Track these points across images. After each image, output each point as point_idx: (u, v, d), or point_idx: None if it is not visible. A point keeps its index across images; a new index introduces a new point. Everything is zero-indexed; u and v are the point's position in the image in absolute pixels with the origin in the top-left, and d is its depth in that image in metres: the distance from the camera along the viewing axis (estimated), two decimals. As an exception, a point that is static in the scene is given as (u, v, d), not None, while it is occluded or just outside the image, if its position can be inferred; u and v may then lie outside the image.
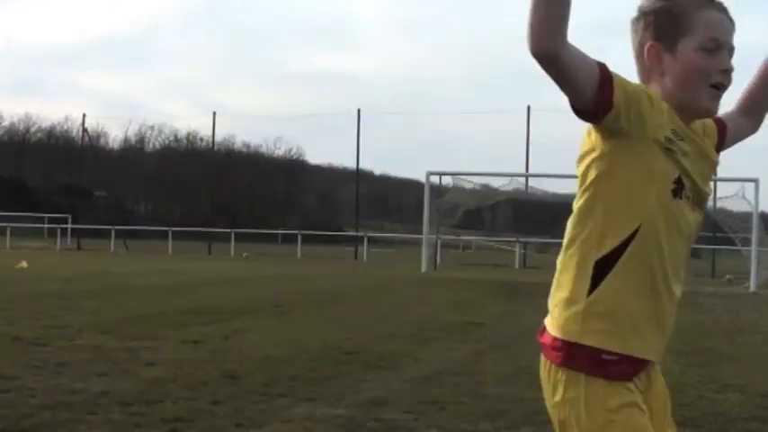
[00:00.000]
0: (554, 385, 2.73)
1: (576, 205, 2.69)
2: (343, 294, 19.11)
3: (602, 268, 2.62)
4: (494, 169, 36.38)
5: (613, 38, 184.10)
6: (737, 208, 30.15)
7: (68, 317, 12.59)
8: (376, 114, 76.67)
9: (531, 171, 42.05)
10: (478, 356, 10.17)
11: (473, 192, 35.77)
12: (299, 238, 48.18)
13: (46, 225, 57.63)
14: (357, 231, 51.49)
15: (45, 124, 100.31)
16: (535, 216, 46.13)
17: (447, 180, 34.10)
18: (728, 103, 2.87)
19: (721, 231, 31.93)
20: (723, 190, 32.06)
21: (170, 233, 49.85)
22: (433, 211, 32.37)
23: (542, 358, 2.76)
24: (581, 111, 2.51)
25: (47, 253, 41.79)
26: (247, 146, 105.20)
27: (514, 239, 46.24)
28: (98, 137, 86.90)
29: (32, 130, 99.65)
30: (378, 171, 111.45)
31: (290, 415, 6.60)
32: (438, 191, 34.01)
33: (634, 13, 2.72)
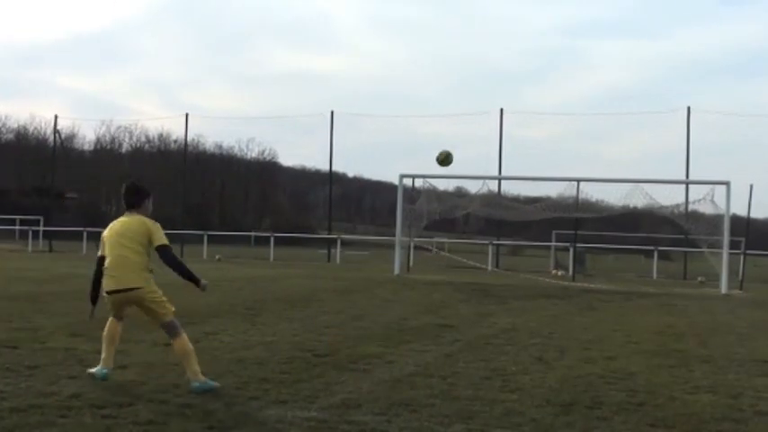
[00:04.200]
0: None
1: None
2: (315, 296, 19.09)
3: None
4: (467, 172, 36.30)
5: (593, 39, 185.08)
6: (708, 211, 30.25)
7: (40, 319, 12.51)
8: (349, 116, 76.43)
9: (503, 173, 42.15)
10: (451, 358, 10.18)
11: (446, 194, 35.80)
12: (272, 240, 48.07)
13: (17, 227, 57.14)
14: (330, 233, 51.45)
15: (14, 125, 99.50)
16: (507, 219, 46.16)
17: (420, 182, 34.07)
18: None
19: (692, 234, 32.06)
20: (694, 193, 32.23)
21: (142, 235, 49.52)
22: (406, 214, 32.39)
23: None
24: None
25: (18, 255, 41.47)
26: (220, 147, 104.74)
27: (487, 242, 46.31)
28: (70, 138, 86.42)
29: (2, 130, 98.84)
30: (351, 173, 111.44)
31: (262, 417, 6.59)
32: (411, 193, 34.00)
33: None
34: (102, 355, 8.04)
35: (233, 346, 10.54)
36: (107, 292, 7.96)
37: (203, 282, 8.00)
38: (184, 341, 7.87)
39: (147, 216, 8.12)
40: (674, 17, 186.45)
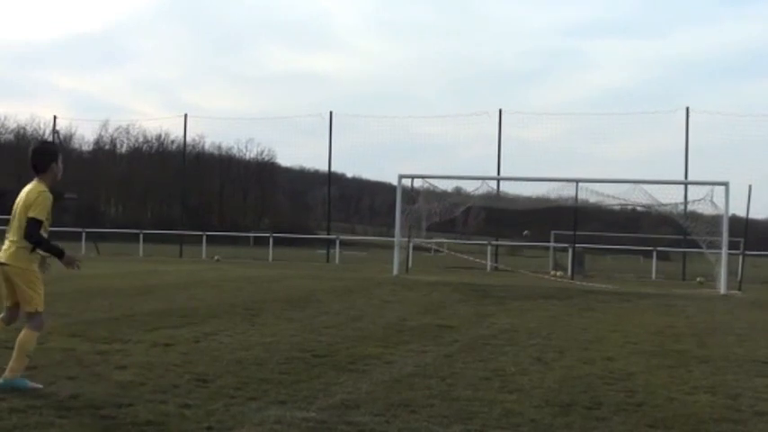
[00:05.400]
0: None
1: None
2: (314, 297, 19.07)
3: None
4: (466, 172, 36.35)
5: (592, 39, 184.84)
6: (707, 211, 30.23)
7: (38, 320, 12.48)
8: (348, 116, 76.39)
9: (502, 174, 42.15)
10: (450, 359, 10.17)
11: (444, 195, 35.78)
12: (271, 240, 48.10)
13: (16, 227, 57.06)
14: (329, 234, 51.44)
15: (14, 125, 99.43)
16: (506, 219, 46.20)
17: (419, 182, 34.07)
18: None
19: (691, 234, 32.05)
20: (693, 193, 32.22)
21: (141, 236, 49.58)
22: (404, 215, 32.39)
23: None
24: None
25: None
26: (219, 148, 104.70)
27: (486, 242, 46.35)
28: (68, 138, 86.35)
29: (2, 131, 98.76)
30: (350, 173, 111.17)
31: (261, 418, 6.58)
32: (410, 193, 33.99)
33: None
34: None
35: (232, 346, 10.52)
36: None
37: (68, 254, 7.50)
38: (33, 337, 7.62)
39: (54, 181, 7.79)
40: (674, 17, 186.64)
